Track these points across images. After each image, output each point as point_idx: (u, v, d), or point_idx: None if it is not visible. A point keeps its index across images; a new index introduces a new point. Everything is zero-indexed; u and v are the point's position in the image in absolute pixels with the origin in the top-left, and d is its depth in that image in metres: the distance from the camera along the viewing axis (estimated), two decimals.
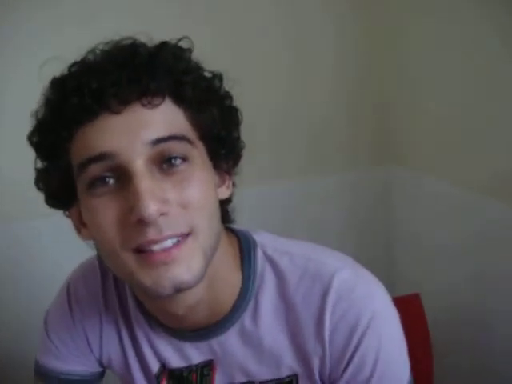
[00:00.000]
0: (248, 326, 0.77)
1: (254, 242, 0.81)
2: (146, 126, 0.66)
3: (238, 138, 0.78)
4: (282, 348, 0.77)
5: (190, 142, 0.69)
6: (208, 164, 0.73)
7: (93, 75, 0.66)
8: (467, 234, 1.51)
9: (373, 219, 1.86)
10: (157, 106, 0.67)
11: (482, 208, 1.43)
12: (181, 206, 0.67)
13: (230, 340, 0.78)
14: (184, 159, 0.68)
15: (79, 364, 0.92)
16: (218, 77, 0.75)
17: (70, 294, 0.90)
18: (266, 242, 0.81)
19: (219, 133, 0.73)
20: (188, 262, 0.67)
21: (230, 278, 0.77)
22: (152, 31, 0.73)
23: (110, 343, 0.88)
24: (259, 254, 0.79)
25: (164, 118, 0.68)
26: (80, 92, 0.65)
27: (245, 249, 0.80)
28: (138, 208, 0.64)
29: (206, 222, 0.70)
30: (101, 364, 0.93)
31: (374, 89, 1.75)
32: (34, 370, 0.93)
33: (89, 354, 0.91)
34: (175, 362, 0.82)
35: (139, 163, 0.65)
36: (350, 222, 1.80)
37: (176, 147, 0.67)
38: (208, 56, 0.73)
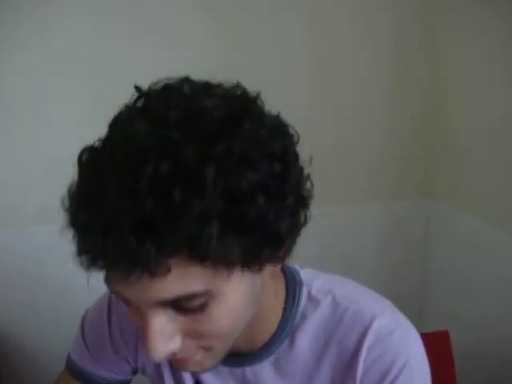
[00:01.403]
0: (283, 359, 0.79)
1: (301, 281, 0.81)
2: (151, 291, 0.58)
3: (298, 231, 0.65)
4: (314, 383, 0.79)
5: (212, 292, 0.60)
6: (247, 274, 0.62)
7: (85, 231, 0.57)
8: (500, 275, 1.52)
9: (409, 252, 1.88)
10: (164, 275, 0.56)
11: None
12: (197, 338, 0.64)
13: (264, 370, 0.79)
14: (203, 306, 0.61)
15: (110, 372, 0.93)
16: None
17: (111, 302, 0.91)
18: (311, 280, 0.81)
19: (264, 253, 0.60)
20: (201, 365, 0.69)
21: (271, 316, 0.78)
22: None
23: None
24: (304, 293, 0.80)
25: (173, 280, 0.57)
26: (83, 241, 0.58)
27: (291, 288, 0.80)
28: (146, 348, 0.61)
29: (229, 341, 0.68)
30: (134, 372, 0.95)
31: (421, 125, 1.78)
32: (66, 365, 0.95)
33: (122, 363, 0.92)
34: (209, 381, 0.83)
35: (149, 311, 0.60)
36: (386, 252, 1.81)
37: (192, 302, 0.60)
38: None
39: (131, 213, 0.53)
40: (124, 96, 0.63)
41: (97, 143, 0.61)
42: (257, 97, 0.64)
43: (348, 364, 0.76)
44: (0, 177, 1.59)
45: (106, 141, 0.60)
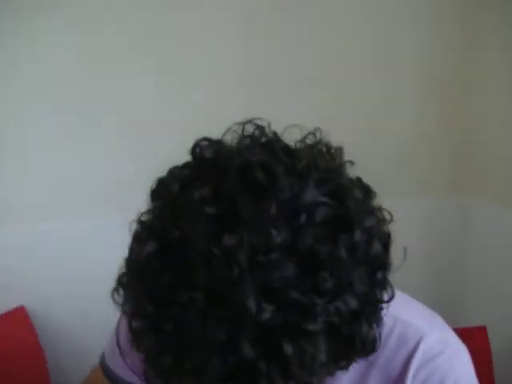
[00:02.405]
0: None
1: None
2: None
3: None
4: None
5: None
6: None
7: None
8: None
9: (445, 246, 1.84)
10: None
11: None
12: None
13: None
14: None
15: (138, 378, 0.89)
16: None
17: None
18: None
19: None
20: None
21: None
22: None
23: None
24: None
25: None
26: None
27: None
28: None
29: None
30: None
31: (458, 116, 1.74)
32: (100, 362, 0.93)
33: None
34: None
35: None
36: (422, 246, 1.78)
37: None
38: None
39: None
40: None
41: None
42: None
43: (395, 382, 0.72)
44: None
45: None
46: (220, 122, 0.58)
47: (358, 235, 0.53)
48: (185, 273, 0.50)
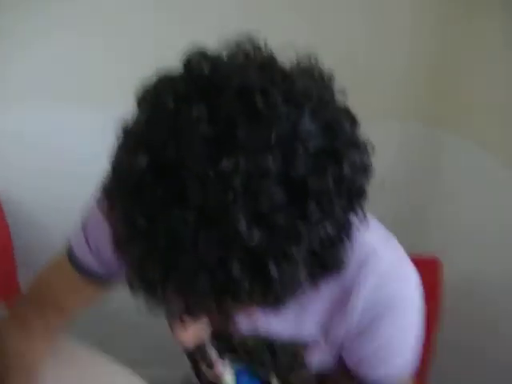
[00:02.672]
0: None
1: None
2: None
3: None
4: (313, 312, 0.80)
5: None
6: None
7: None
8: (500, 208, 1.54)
9: (415, 175, 1.87)
10: None
11: None
12: None
13: None
14: None
15: (103, 267, 0.93)
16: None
17: None
18: None
19: None
20: None
21: None
22: None
23: None
24: None
25: None
26: None
27: None
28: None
29: None
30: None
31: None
32: (67, 250, 0.96)
33: (116, 263, 0.94)
34: None
35: None
36: (392, 171, 1.80)
37: None
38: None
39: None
40: None
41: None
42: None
43: (346, 300, 0.77)
44: None
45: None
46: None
47: (346, 168, 0.55)
48: (178, 191, 0.51)
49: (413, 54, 1.69)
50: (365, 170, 0.59)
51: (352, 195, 0.58)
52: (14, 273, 1.69)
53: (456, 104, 1.74)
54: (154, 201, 0.52)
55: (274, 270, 0.53)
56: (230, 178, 0.50)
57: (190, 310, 0.58)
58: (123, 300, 1.62)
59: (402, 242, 0.83)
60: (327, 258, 0.58)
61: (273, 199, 0.51)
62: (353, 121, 0.60)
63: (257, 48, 0.60)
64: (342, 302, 0.77)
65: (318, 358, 0.86)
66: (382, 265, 0.76)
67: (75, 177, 1.71)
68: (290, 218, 0.52)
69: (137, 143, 0.54)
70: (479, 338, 1.62)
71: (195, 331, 0.67)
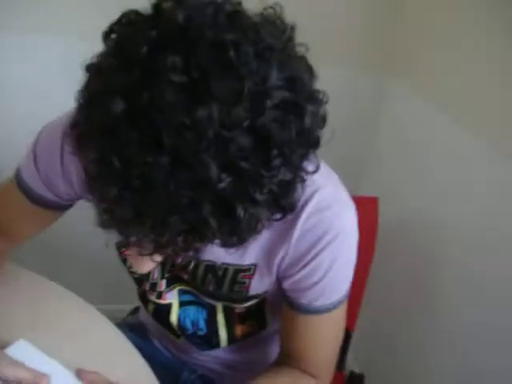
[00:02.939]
0: None
1: None
2: None
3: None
4: (257, 240, 0.85)
5: None
6: None
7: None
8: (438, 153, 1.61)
9: (360, 120, 1.93)
10: None
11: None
12: None
13: None
14: None
15: (56, 197, 0.95)
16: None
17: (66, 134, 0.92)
18: None
19: None
20: None
21: None
22: None
23: None
24: None
25: None
26: None
27: None
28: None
29: None
30: (78, 199, 0.97)
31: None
32: (16, 180, 0.96)
33: (69, 190, 0.93)
34: None
35: None
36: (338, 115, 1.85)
37: None
38: None
39: None
40: None
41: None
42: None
43: (287, 227, 0.81)
44: None
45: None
46: None
47: (307, 121, 0.59)
48: (153, 137, 0.53)
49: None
50: (322, 121, 0.63)
51: (310, 145, 0.62)
52: None
53: (396, 53, 1.79)
54: (129, 145, 0.53)
55: (240, 212, 0.56)
56: (204, 127, 0.53)
57: (159, 248, 0.62)
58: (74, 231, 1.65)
59: (344, 183, 0.88)
60: (284, 201, 0.62)
61: (241, 148, 0.54)
62: (311, 73, 0.63)
63: None
64: (285, 230, 0.82)
65: (259, 284, 0.91)
66: (321, 194, 0.81)
67: (23, 112, 1.69)
68: (256, 165, 0.55)
69: (111, 86, 0.55)
70: (407, 273, 1.73)
71: (150, 262, 0.70)
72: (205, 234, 0.58)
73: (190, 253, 0.64)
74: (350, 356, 1.50)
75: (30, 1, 1.54)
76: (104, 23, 0.60)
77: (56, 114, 0.92)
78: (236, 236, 0.61)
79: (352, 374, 1.46)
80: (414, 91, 1.71)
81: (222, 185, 0.54)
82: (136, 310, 1.32)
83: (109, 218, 0.60)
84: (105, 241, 0.71)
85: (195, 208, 0.55)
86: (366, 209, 1.40)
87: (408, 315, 1.75)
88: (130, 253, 0.71)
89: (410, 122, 1.77)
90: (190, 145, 0.53)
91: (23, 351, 0.85)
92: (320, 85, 0.64)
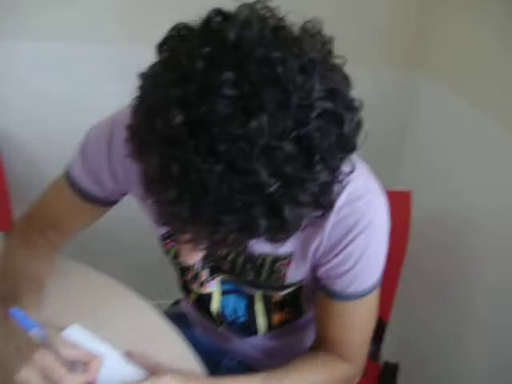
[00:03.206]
0: None
1: None
2: None
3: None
4: None
5: None
6: None
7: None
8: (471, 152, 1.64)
9: (390, 115, 1.96)
10: None
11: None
12: None
13: None
14: None
15: (103, 192, 1.03)
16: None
17: (115, 128, 0.96)
18: None
19: None
20: None
21: None
22: None
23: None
24: None
25: None
26: None
27: None
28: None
29: None
30: (124, 195, 1.05)
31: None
32: (66, 176, 1.04)
33: (115, 187, 1.01)
34: None
35: None
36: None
37: None
38: None
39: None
40: None
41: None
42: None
43: (320, 219, 0.86)
44: None
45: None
46: None
47: (346, 128, 0.65)
48: (209, 146, 0.59)
49: None
50: (358, 126, 0.69)
51: (348, 149, 0.68)
52: (8, 209, 1.76)
53: (432, 50, 1.81)
54: (188, 153, 0.60)
55: (287, 213, 0.63)
56: (255, 137, 0.59)
57: (211, 244, 0.69)
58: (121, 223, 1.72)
59: (379, 178, 0.93)
60: (324, 200, 0.69)
61: (287, 155, 0.61)
62: (348, 83, 0.69)
63: (269, 10, 0.68)
64: (319, 221, 0.87)
65: (295, 272, 0.96)
66: (353, 186, 0.86)
67: (70, 111, 1.77)
68: (301, 170, 0.62)
69: (170, 99, 0.61)
70: (442, 264, 1.76)
71: (197, 254, 0.77)
72: (254, 232, 0.65)
73: (239, 248, 0.71)
74: (384, 346, 1.53)
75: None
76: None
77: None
78: (282, 233, 0.68)
79: (387, 363, 1.49)
80: (450, 88, 1.73)
81: (271, 189, 0.61)
82: (177, 303, 1.39)
83: (166, 216, 0.67)
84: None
85: (247, 209, 0.62)
86: (400, 203, 1.43)
87: (442, 306, 1.78)
88: (181, 246, 0.78)
89: (444, 119, 1.79)
90: (242, 153, 0.59)
91: (76, 335, 0.92)
92: (354, 83, 0.70)
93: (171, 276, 1.22)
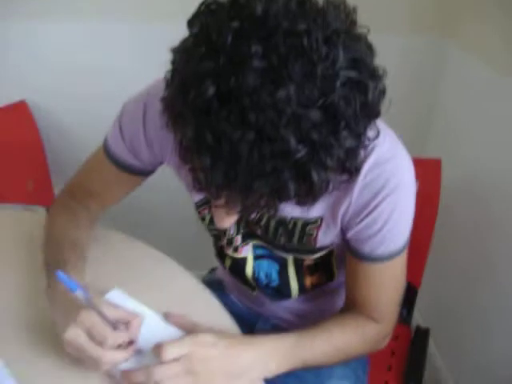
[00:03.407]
0: None
1: None
2: None
3: None
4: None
5: None
6: None
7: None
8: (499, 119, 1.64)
9: (419, 84, 1.96)
10: None
11: None
12: None
13: None
14: None
15: (140, 162, 1.07)
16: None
17: (148, 101, 1.00)
18: None
19: None
20: None
21: None
22: None
23: (174, 157, 1.03)
24: None
25: None
26: None
27: None
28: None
29: None
30: (160, 164, 1.09)
31: None
32: (103, 147, 1.09)
33: (152, 156, 1.06)
34: None
35: None
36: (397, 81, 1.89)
37: None
38: None
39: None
40: None
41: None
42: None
43: (348, 183, 0.88)
44: None
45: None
46: None
47: (369, 96, 0.68)
48: (240, 114, 0.63)
49: None
50: (382, 94, 0.72)
51: (372, 115, 0.71)
52: (48, 182, 1.82)
53: (458, 15, 1.80)
54: (220, 123, 0.63)
55: (315, 177, 0.67)
56: (284, 106, 0.62)
57: (244, 208, 0.73)
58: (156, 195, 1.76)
59: (408, 146, 0.94)
60: (350, 164, 0.72)
61: (314, 122, 0.64)
62: (371, 51, 0.72)
63: None
64: (348, 185, 0.89)
65: (325, 236, 1.00)
66: (380, 150, 0.89)
67: (98, 84, 1.83)
68: (327, 137, 0.65)
69: (202, 72, 0.65)
70: (472, 230, 1.78)
71: (231, 218, 0.83)
72: (284, 195, 0.69)
73: (271, 211, 0.74)
74: (416, 311, 1.56)
75: None
76: None
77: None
78: (310, 196, 0.71)
79: (418, 328, 1.52)
80: (478, 56, 1.73)
81: (299, 155, 0.64)
82: (212, 271, 1.44)
83: (199, 182, 0.71)
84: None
85: (276, 174, 0.66)
86: (430, 170, 1.45)
87: (472, 272, 1.81)
88: (216, 211, 0.83)
89: (472, 87, 1.79)
90: (271, 122, 0.63)
91: (117, 298, 0.97)
92: (380, 50, 0.72)
93: (207, 246, 1.26)
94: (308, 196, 0.71)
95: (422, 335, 1.49)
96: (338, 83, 0.65)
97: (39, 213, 1.29)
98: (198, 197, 1.07)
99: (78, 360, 0.86)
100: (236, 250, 1.11)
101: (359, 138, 0.70)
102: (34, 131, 1.78)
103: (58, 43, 1.76)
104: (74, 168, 1.17)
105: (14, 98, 1.76)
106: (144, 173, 1.10)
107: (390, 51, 1.78)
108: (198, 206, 1.09)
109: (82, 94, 1.82)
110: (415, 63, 1.92)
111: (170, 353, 0.84)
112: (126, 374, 0.86)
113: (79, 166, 1.16)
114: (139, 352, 0.90)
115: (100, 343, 0.83)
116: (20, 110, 1.77)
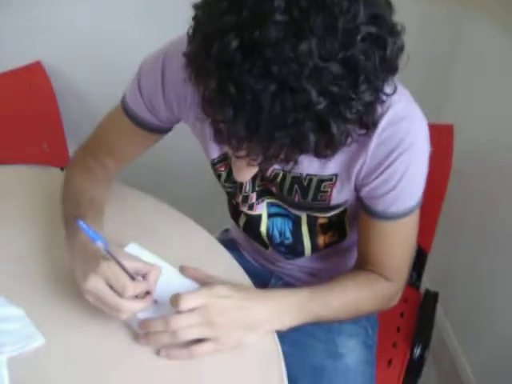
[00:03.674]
0: None
1: None
2: None
3: None
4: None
5: None
6: None
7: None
8: None
9: (437, 52, 1.96)
10: None
11: None
12: None
13: None
14: None
15: (157, 120, 1.09)
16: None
17: (166, 59, 1.01)
18: None
19: None
20: None
21: None
22: None
23: (191, 113, 1.04)
24: None
25: None
26: None
27: None
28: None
29: None
30: (177, 122, 1.11)
31: None
32: (122, 105, 1.10)
33: (170, 114, 1.07)
34: None
35: None
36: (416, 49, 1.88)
37: None
38: None
39: None
40: None
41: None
42: None
43: (363, 141, 0.90)
44: None
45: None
46: None
47: (388, 52, 0.69)
48: (262, 67, 0.65)
49: None
50: (400, 50, 0.73)
51: (390, 71, 0.73)
52: (63, 144, 1.84)
53: None
54: (243, 74, 0.65)
55: (334, 129, 0.68)
56: (306, 58, 0.64)
57: (265, 159, 0.74)
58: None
59: (422, 110, 0.95)
60: (368, 118, 0.74)
61: (335, 75, 0.65)
62: (390, 8, 0.72)
63: None
64: (362, 142, 0.91)
65: (339, 193, 1.01)
66: (395, 109, 0.89)
67: (121, 48, 1.83)
68: (346, 90, 0.67)
69: (225, 26, 0.66)
70: (483, 196, 1.79)
71: (249, 171, 0.86)
72: (304, 147, 0.70)
73: (289, 164, 0.76)
74: (425, 276, 1.58)
75: None
76: None
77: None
78: (329, 148, 0.73)
79: (427, 291, 1.54)
80: (495, 23, 1.71)
81: (320, 106, 0.66)
82: (227, 230, 1.46)
83: (223, 134, 0.72)
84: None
85: (297, 125, 0.67)
86: (442, 136, 1.45)
87: (482, 238, 1.83)
88: (235, 163, 0.85)
89: (489, 54, 1.78)
90: (293, 74, 0.64)
91: (135, 251, 1.00)
92: (399, 15, 0.73)
93: (219, 208, 1.28)
94: (327, 148, 0.73)
95: (430, 299, 1.51)
96: (359, 37, 0.66)
97: (55, 172, 1.30)
98: (215, 154, 1.08)
99: (97, 308, 0.88)
100: (251, 207, 1.13)
101: (377, 92, 0.71)
102: (50, 92, 1.79)
103: (75, 4, 1.76)
104: (89, 130, 1.18)
105: (30, 59, 1.77)
106: (161, 130, 1.11)
107: (408, 16, 1.79)
108: (215, 163, 1.10)
109: (98, 56, 1.82)
110: (432, 29, 1.90)
111: (186, 303, 0.86)
112: (143, 323, 0.88)
113: (94, 126, 1.18)
114: (156, 303, 0.92)
115: (119, 293, 0.85)
116: (35, 70, 1.77)
